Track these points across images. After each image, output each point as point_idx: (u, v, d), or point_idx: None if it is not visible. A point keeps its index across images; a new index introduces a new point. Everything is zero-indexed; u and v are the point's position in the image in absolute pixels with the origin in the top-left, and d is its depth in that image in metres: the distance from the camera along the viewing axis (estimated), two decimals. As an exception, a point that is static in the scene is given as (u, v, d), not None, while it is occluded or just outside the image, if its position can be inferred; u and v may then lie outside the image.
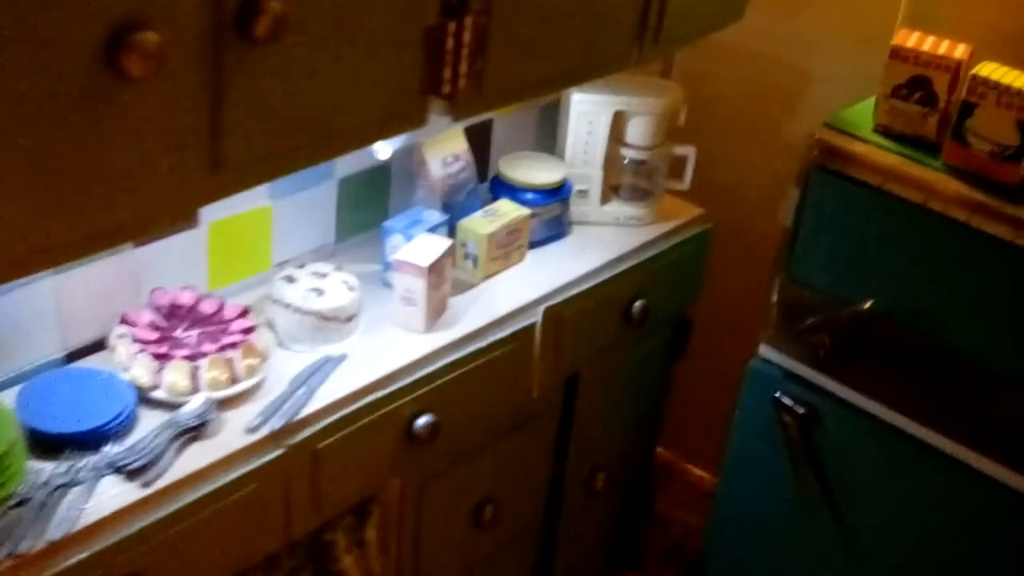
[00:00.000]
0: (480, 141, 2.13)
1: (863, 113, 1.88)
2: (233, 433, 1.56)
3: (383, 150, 1.71)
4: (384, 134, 1.50)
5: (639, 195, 2.17)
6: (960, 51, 1.78)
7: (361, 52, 1.37)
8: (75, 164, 1.16)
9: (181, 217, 1.30)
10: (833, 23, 2.25)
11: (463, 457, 1.91)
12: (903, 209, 1.78)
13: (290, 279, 1.75)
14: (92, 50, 1.10)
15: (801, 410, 1.98)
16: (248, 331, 1.64)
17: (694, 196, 2.25)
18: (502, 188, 2.05)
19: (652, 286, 2.13)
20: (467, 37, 1.45)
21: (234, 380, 1.60)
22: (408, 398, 1.73)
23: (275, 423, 1.58)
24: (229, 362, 1.59)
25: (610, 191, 2.17)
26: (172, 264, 1.73)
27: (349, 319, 1.76)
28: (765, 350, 2.03)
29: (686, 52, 2.45)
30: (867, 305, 1.84)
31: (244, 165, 1.31)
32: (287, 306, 1.72)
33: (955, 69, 1.77)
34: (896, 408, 1.88)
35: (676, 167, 2.21)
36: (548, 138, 2.22)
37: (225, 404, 1.59)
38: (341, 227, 1.96)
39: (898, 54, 1.80)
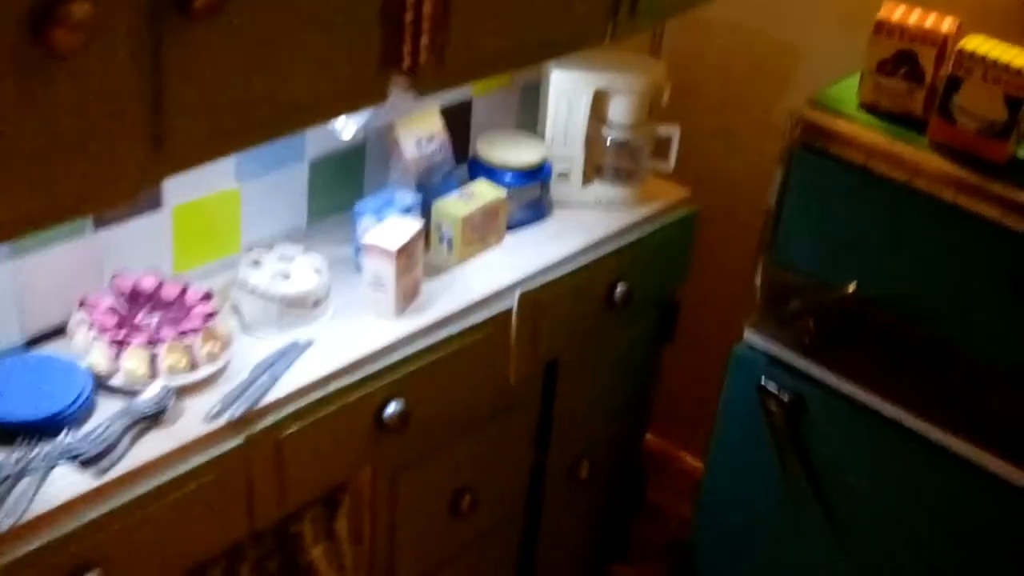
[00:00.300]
0: (459, 121, 2.08)
1: (848, 90, 1.82)
2: (192, 421, 1.52)
3: (346, 130, 1.66)
4: (342, 110, 1.45)
5: (622, 176, 2.12)
6: (947, 24, 1.72)
7: (313, 25, 1.32)
8: (9, 141, 1.12)
9: (124, 195, 1.26)
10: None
11: (438, 445, 1.87)
12: (888, 188, 1.72)
13: (256, 262, 1.71)
14: (19, 24, 1.06)
15: (787, 397, 1.93)
16: (209, 316, 1.60)
17: (683, 177, 2.20)
18: (480, 169, 2.00)
19: (635, 270, 2.08)
20: (427, 10, 1.40)
21: (194, 366, 1.56)
22: (377, 385, 1.68)
23: (235, 411, 1.54)
24: (188, 348, 1.55)
25: (592, 172, 2.12)
26: (137, 248, 1.68)
27: (316, 304, 1.71)
28: (749, 335, 1.97)
29: (675, 29, 2.40)
30: (851, 289, 1.78)
31: (189, 142, 1.26)
32: (252, 290, 1.67)
33: (942, 43, 1.71)
34: (885, 397, 1.82)
35: (662, 148, 2.16)
36: (530, 118, 2.17)
37: (185, 391, 1.55)
38: (314, 209, 1.91)
39: (883, 28, 1.74)
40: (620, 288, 2.04)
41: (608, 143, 2.09)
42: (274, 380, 1.60)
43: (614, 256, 2.03)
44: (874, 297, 1.78)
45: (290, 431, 1.58)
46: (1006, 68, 1.61)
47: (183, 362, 1.55)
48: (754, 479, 2.04)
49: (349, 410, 1.66)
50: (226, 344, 1.61)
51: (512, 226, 2.00)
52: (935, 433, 1.77)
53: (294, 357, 1.65)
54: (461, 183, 1.97)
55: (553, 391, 2.06)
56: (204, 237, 1.77)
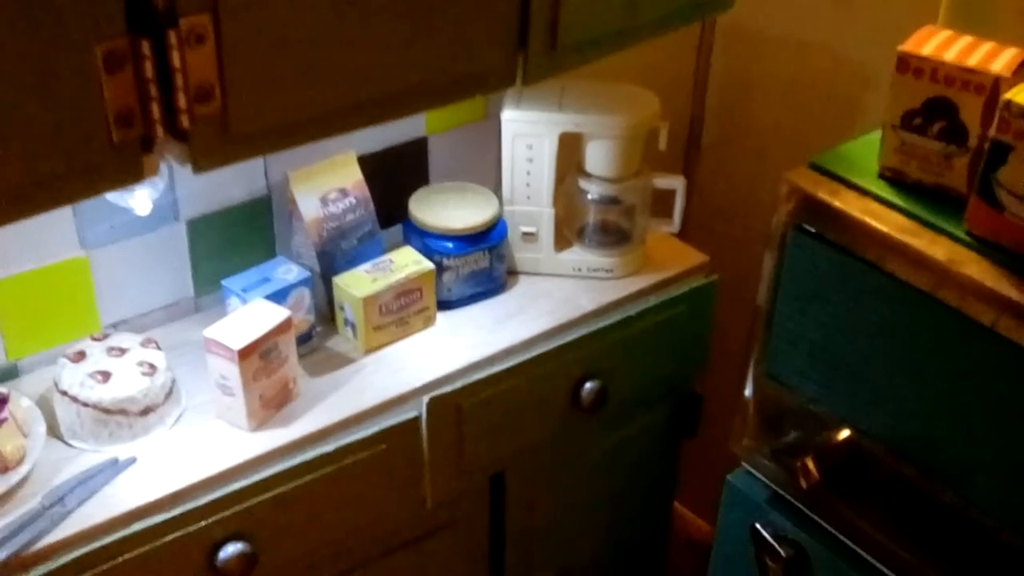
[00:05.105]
0: (408, 165, 1.69)
1: (869, 148, 1.31)
2: (-57, 567, 1.22)
3: (138, 205, 1.30)
4: (68, 197, 1.08)
5: (611, 240, 1.67)
6: (1002, 62, 1.18)
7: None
8: None
9: None
10: (906, 9, 1.66)
11: (326, 581, 1.50)
12: (906, 297, 1.21)
13: (80, 356, 1.39)
14: None
15: (785, 552, 1.44)
16: (-14, 430, 1.29)
17: (724, 236, 1.76)
18: (412, 232, 1.60)
19: (623, 356, 1.64)
20: (176, 59, 1.02)
21: (-41, 495, 1.26)
22: (212, 519, 1.33)
23: (-4, 557, 1.22)
24: (-51, 473, 1.25)
25: (574, 234, 1.68)
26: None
27: (148, 411, 1.37)
28: (747, 463, 1.50)
29: (719, 50, 1.92)
30: (848, 432, 1.28)
31: None
32: (64, 392, 1.35)
33: (991, 89, 1.17)
34: (905, 571, 1.32)
35: (667, 203, 1.69)
36: (512, 160, 1.75)
37: (-55, 526, 1.25)
38: (203, 277, 1.57)
39: (908, 65, 1.22)
40: (590, 385, 1.60)
41: (590, 198, 1.65)
42: (66, 512, 1.28)
43: (585, 342, 1.59)
44: (886, 440, 1.28)
45: (77, 580, 1.26)
46: (1073, 134, 1.07)
47: (-59, 491, 1.25)
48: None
49: (169, 551, 1.31)
50: (12, 464, 1.30)
51: (453, 304, 1.60)
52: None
53: (103, 481, 1.32)
54: (388, 250, 1.58)
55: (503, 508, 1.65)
56: (45, 316, 1.46)
